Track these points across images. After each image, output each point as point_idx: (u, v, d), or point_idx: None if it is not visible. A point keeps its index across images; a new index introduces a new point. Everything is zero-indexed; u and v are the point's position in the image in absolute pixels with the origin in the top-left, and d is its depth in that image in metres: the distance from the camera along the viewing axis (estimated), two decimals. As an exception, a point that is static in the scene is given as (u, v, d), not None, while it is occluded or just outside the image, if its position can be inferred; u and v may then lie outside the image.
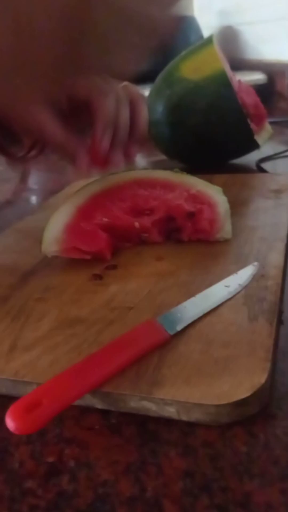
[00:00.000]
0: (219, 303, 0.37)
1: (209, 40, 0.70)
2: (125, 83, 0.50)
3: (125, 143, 0.49)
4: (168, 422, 0.29)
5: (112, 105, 0.46)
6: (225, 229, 0.47)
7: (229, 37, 1.38)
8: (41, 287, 0.43)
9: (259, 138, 0.72)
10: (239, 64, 1.26)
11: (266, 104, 0.75)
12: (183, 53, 0.72)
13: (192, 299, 0.38)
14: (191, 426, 0.28)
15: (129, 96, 0.49)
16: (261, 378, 0.29)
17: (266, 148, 0.76)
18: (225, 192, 0.52)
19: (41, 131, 0.48)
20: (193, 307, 0.36)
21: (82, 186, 0.51)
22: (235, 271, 0.41)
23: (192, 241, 0.48)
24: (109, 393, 0.29)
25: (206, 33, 1.28)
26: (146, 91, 0.81)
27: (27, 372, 0.32)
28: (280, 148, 0.82)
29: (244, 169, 0.74)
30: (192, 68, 0.69)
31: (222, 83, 0.66)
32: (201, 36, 1.32)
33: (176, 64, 0.71)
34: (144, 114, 0.50)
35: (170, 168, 0.54)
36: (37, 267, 0.46)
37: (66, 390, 0.28)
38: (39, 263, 0.47)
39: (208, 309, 0.36)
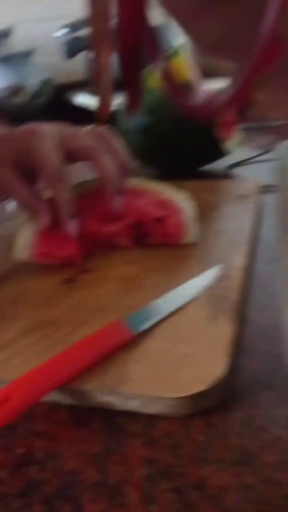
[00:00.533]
0: (184, 303, 0.39)
1: (176, 50, 0.72)
2: (89, 127, 0.52)
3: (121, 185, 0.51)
4: (132, 415, 0.31)
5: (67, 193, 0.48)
6: (192, 233, 0.50)
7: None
8: (14, 292, 0.44)
9: (228, 145, 0.74)
10: (214, 70, 1.29)
11: (238, 110, 0.78)
12: (153, 64, 0.74)
13: (158, 300, 0.40)
14: (153, 418, 0.30)
15: (100, 138, 0.51)
16: (218, 372, 0.31)
17: (237, 154, 0.79)
18: (195, 198, 0.54)
19: (7, 191, 0.50)
20: (158, 308, 0.38)
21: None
22: (201, 273, 0.43)
23: (160, 245, 0.50)
24: (76, 389, 0.31)
25: (180, 41, 1.31)
26: (119, 98, 0.83)
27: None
28: (251, 153, 0.84)
29: (215, 175, 0.77)
30: (159, 79, 0.71)
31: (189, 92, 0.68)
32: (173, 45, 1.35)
33: (146, 74, 0.73)
34: (121, 149, 0.52)
35: (142, 175, 0.56)
36: (10, 272, 0.48)
37: (34, 387, 0.30)
38: (12, 269, 0.48)
39: (173, 309, 0.38)
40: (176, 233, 0.49)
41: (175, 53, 0.71)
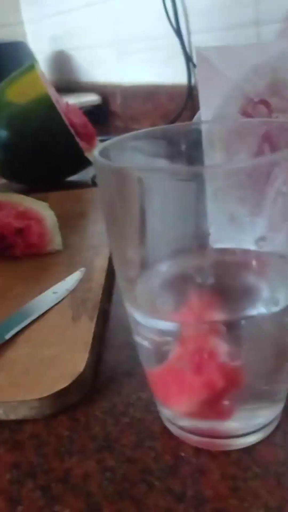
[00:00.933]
0: (47, 309, 0.40)
1: (32, 65, 0.73)
2: None
3: None
4: (-2, 423, 0.31)
5: None
6: (55, 242, 0.51)
7: (62, 61, 1.43)
8: None
9: (90, 156, 0.76)
10: (74, 86, 1.32)
11: (102, 123, 0.81)
12: (8, 78, 0.74)
13: (21, 309, 0.40)
14: (19, 423, 0.31)
15: None
16: (79, 368, 0.32)
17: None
18: (59, 207, 0.55)
19: None
20: (21, 316, 0.39)
21: None
22: (64, 278, 0.44)
23: (25, 256, 0.50)
24: None
25: (39, 58, 1.32)
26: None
27: None
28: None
29: (81, 185, 0.78)
30: (17, 92, 0.71)
31: (47, 105, 0.70)
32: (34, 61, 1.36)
33: (1, 88, 0.73)
34: None
35: (5, 190, 0.56)
36: None
37: None
38: None
39: (36, 316, 0.39)
40: (39, 243, 0.50)
41: (30, 68, 0.72)
